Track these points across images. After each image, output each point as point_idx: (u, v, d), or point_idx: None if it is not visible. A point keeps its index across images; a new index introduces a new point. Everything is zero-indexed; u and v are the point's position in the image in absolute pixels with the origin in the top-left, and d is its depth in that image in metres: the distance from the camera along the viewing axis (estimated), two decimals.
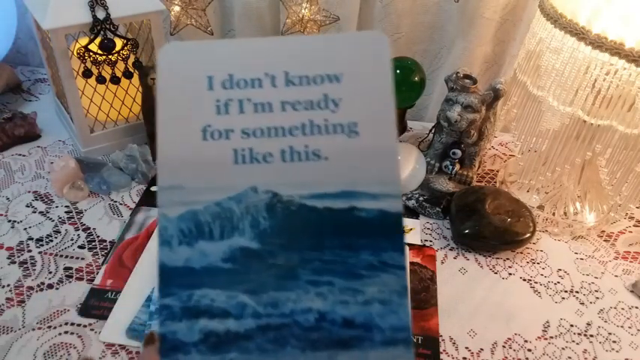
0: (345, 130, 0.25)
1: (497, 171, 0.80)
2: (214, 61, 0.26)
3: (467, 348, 0.55)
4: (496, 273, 0.64)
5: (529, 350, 0.55)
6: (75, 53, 0.67)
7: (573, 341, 0.56)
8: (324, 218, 0.24)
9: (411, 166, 0.71)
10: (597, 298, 0.61)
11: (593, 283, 0.63)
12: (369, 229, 0.24)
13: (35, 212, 0.67)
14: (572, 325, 0.58)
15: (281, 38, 0.26)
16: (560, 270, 0.65)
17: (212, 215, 0.25)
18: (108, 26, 0.66)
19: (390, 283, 0.24)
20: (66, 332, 0.53)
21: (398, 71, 0.73)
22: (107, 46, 0.68)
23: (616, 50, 0.53)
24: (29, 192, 0.70)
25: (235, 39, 0.26)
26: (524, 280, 0.63)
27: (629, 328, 0.58)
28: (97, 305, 0.56)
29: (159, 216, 0.25)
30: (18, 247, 0.62)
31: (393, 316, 0.24)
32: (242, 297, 0.24)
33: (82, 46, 0.66)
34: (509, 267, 0.64)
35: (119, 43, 0.69)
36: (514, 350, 0.55)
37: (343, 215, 0.24)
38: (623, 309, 0.60)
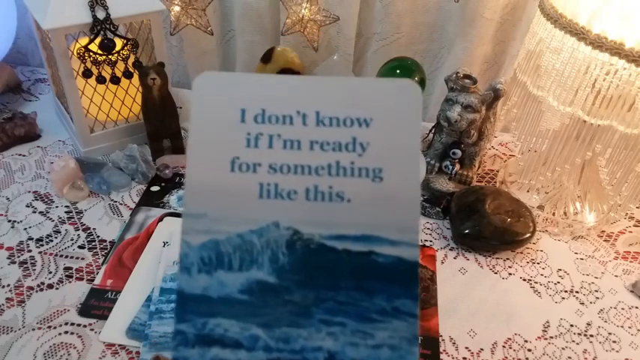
0: (370, 174, 0.25)
1: (497, 171, 0.80)
2: (248, 94, 0.26)
3: (467, 348, 0.55)
4: (496, 273, 0.64)
5: (529, 350, 0.55)
6: (75, 53, 0.67)
7: (573, 341, 0.56)
8: (341, 260, 0.25)
9: None
10: (597, 298, 0.61)
11: (593, 283, 0.63)
12: (384, 274, 0.24)
13: (35, 212, 0.67)
14: (572, 325, 0.58)
15: (316, 78, 0.26)
16: (560, 270, 0.65)
17: (233, 246, 0.25)
18: (108, 26, 0.66)
19: (401, 330, 0.24)
20: (66, 332, 0.53)
21: (398, 71, 0.73)
22: (107, 46, 0.68)
23: (616, 50, 0.53)
24: (29, 192, 0.70)
25: (271, 75, 0.26)
26: (524, 280, 0.63)
27: (629, 328, 0.58)
28: (97, 305, 0.56)
29: (181, 242, 0.25)
30: (18, 247, 0.62)
31: None
32: (255, 329, 0.24)
33: (82, 46, 0.66)
34: (509, 267, 0.64)
35: (119, 43, 0.69)
36: (514, 350, 0.55)
37: (361, 258, 0.25)
38: (623, 309, 0.60)
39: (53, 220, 0.66)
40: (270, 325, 0.24)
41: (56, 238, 0.63)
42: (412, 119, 0.25)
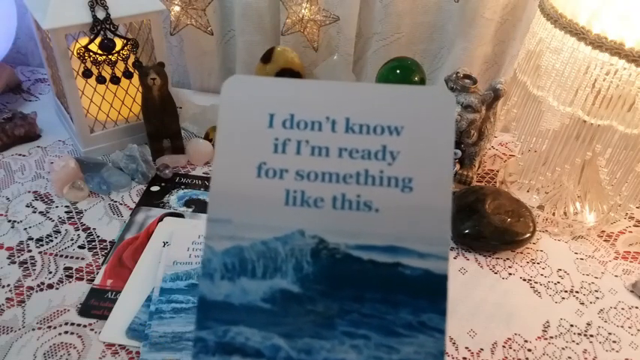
0: (399, 184, 0.24)
1: (497, 171, 0.80)
2: (277, 98, 0.25)
3: (467, 348, 0.55)
4: (496, 273, 0.64)
5: (529, 350, 0.55)
6: (75, 53, 0.67)
7: (573, 341, 0.56)
8: (367, 271, 0.24)
9: None
10: (597, 298, 0.61)
11: (593, 283, 0.63)
12: (411, 287, 0.24)
13: (35, 212, 0.67)
14: (572, 325, 0.58)
15: (345, 83, 0.25)
16: (560, 270, 0.65)
17: (257, 253, 0.24)
18: (108, 26, 0.66)
19: (427, 345, 0.23)
20: (66, 332, 0.53)
21: (398, 71, 0.73)
22: (107, 46, 0.68)
23: (616, 50, 0.53)
24: (29, 192, 0.70)
25: (300, 80, 0.25)
26: (524, 280, 0.63)
27: (629, 328, 0.58)
28: (97, 305, 0.56)
29: (204, 247, 0.24)
30: (18, 247, 0.62)
31: None
32: (277, 339, 0.23)
33: (82, 46, 0.66)
34: (509, 267, 0.64)
35: (119, 43, 0.69)
36: (514, 350, 0.55)
37: (387, 270, 0.24)
38: (623, 309, 0.60)
39: (53, 220, 0.66)
40: (293, 335, 0.23)
41: (56, 238, 0.63)
42: (445, 128, 0.25)
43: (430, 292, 0.23)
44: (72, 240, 0.63)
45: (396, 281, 0.23)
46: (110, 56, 0.69)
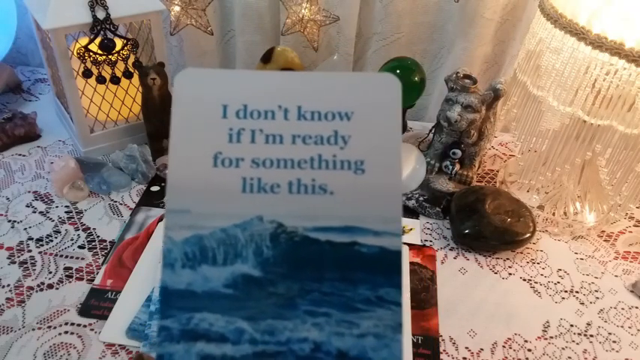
0: (352, 166, 0.25)
1: (497, 171, 0.80)
2: (230, 90, 0.26)
3: (467, 348, 0.55)
4: (496, 273, 0.64)
5: (529, 350, 0.55)
6: (75, 53, 0.67)
7: (573, 341, 0.56)
8: (325, 251, 0.25)
9: (411, 166, 0.71)
10: (597, 298, 0.61)
11: (593, 283, 0.63)
12: (368, 264, 0.24)
13: (35, 212, 0.67)
14: (572, 325, 0.58)
15: (297, 73, 0.27)
16: (560, 270, 0.65)
17: (217, 241, 0.25)
18: (108, 26, 0.66)
19: (386, 318, 0.24)
20: (66, 332, 0.53)
21: (398, 71, 0.73)
22: (107, 46, 0.68)
23: (616, 50, 0.53)
24: (29, 192, 0.70)
25: (252, 71, 0.26)
26: (524, 280, 0.63)
27: (629, 328, 0.58)
28: (97, 305, 0.56)
29: (164, 238, 0.25)
30: (18, 247, 0.62)
31: (386, 350, 0.24)
32: (240, 323, 0.24)
33: (82, 46, 0.66)
34: (509, 267, 0.64)
35: (119, 43, 0.69)
36: (514, 350, 0.55)
37: (344, 249, 0.25)
38: (623, 309, 0.60)
39: (53, 220, 0.66)
40: (256, 318, 0.24)
41: (56, 238, 0.63)
42: (392, 111, 0.25)
43: (386, 268, 0.24)
44: (72, 240, 0.63)
45: (354, 259, 0.24)
46: (110, 56, 0.69)
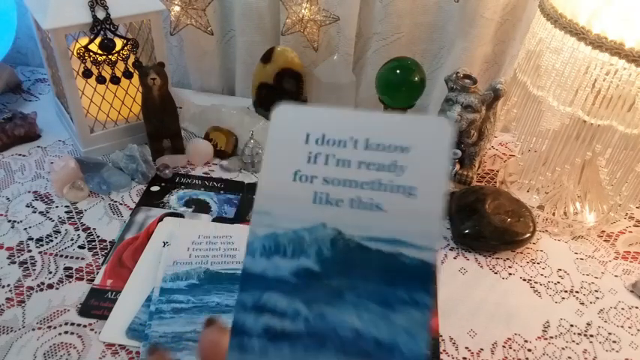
0: (405, 191, 0.31)
1: (497, 171, 0.80)
2: (313, 121, 0.33)
3: (467, 348, 0.55)
4: (496, 273, 0.64)
5: (529, 350, 0.55)
6: (75, 53, 0.67)
7: (573, 341, 0.56)
8: (374, 257, 0.30)
9: None
10: (597, 298, 0.61)
11: (593, 283, 0.63)
12: (408, 272, 0.29)
13: (35, 212, 0.67)
14: (572, 325, 0.58)
15: (368, 112, 0.32)
16: (560, 270, 0.65)
17: (288, 239, 0.31)
18: (108, 26, 0.66)
19: (416, 318, 0.29)
20: (66, 332, 0.53)
21: (398, 71, 0.73)
22: (107, 46, 0.68)
23: (616, 50, 0.53)
24: (29, 192, 0.70)
25: (332, 107, 0.33)
26: (524, 280, 0.63)
27: (629, 328, 0.58)
28: (97, 305, 0.56)
29: (250, 232, 0.31)
30: (18, 247, 0.62)
31: (414, 344, 0.28)
32: (298, 304, 0.30)
33: (82, 46, 0.66)
34: (509, 267, 0.64)
35: (119, 43, 0.69)
36: (514, 350, 0.55)
37: (390, 258, 0.30)
38: (623, 309, 0.60)
39: (53, 220, 0.66)
40: (311, 302, 0.30)
41: (56, 238, 0.63)
42: (443, 148, 0.31)
43: (422, 277, 0.29)
44: (72, 240, 0.63)
45: (397, 267, 0.29)
46: (110, 56, 0.69)
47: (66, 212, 0.67)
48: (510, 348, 0.55)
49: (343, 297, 0.30)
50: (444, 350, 0.54)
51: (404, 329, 0.29)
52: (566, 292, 0.62)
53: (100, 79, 0.70)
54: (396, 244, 0.30)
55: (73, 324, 0.54)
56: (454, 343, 0.55)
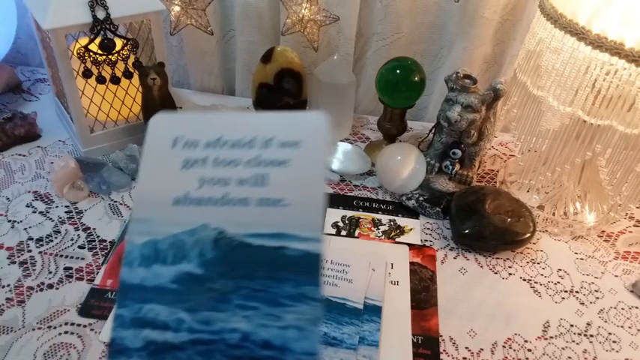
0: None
1: (497, 171, 0.80)
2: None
3: (467, 348, 0.55)
4: (496, 273, 0.64)
5: (529, 350, 0.55)
6: (75, 53, 0.67)
7: (573, 341, 0.56)
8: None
9: (411, 166, 0.71)
10: (597, 298, 0.62)
11: (593, 283, 0.63)
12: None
13: (35, 212, 0.67)
14: (572, 325, 0.58)
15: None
16: (560, 270, 0.65)
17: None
18: (108, 26, 0.66)
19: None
20: (66, 332, 0.53)
21: (398, 71, 0.73)
22: (107, 46, 0.68)
23: (616, 50, 0.53)
24: (29, 192, 0.70)
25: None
26: (524, 280, 0.63)
27: (629, 328, 0.58)
28: (97, 305, 0.56)
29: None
30: (18, 247, 0.62)
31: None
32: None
33: (82, 46, 0.66)
34: (509, 267, 0.64)
35: (119, 43, 0.69)
36: (514, 350, 0.55)
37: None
38: (623, 309, 0.60)
39: (53, 220, 0.66)
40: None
41: (56, 238, 0.63)
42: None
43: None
44: (72, 240, 0.63)
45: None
46: (110, 56, 0.69)
47: (66, 212, 0.67)
48: (510, 348, 0.55)
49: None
50: (444, 350, 0.54)
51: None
52: (566, 292, 0.62)
53: (100, 79, 0.70)
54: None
55: (73, 324, 0.54)
56: (454, 343, 0.55)
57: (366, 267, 0.61)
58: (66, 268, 0.60)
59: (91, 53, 0.67)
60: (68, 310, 0.55)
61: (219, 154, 0.31)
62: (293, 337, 0.27)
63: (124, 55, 0.70)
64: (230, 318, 0.28)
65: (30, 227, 0.64)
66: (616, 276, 0.64)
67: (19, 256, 0.61)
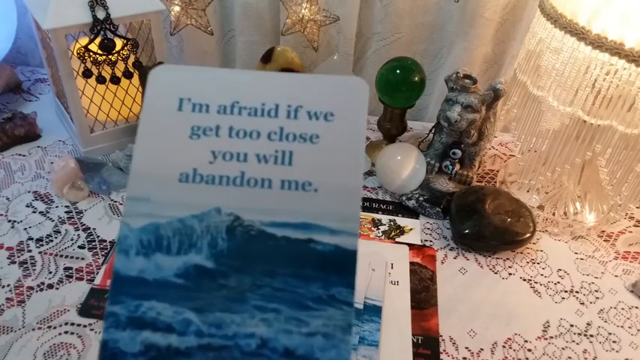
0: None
1: (497, 171, 0.80)
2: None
3: (467, 348, 0.55)
4: (496, 273, 0.64)
5: (529, 350, 0.55)
6: (75, 53, 0.67)
7: (573, 341, 0.56)
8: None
9: (411, 166, 0.71)
10: (597, 298, 0.61)
11: (593, 283, 0.63)
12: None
13: (35, 212, 0.67)
14: (572, 325, 0.58)
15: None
16: (560, 270, 0.65)
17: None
18: (108, 26, 0.66)
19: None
20: (66, 332, 0.53)
21: (398, 71, 0.73)
22: (107, 46, 0.68)
23: (616, 50, 0.53)
24: (29, 192, 0.70)
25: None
26: (524, 280, 0.63)
27: (629, 328, 0.58)
28: (97, 305, 0.56)
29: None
30: (18, 247, 0.62)
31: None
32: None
33: (82, 46, 0.66)
34: (509, 267, 0.64)
35: (119, 43, 0.69)
36: (514, 350, 0.55)
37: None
38: (623, 309, 0.60)
39: (53, 220, 0.66)
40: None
41: (56, 238, 0.63)
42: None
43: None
44: (72, 240, 0.63)
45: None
46: (110, 56, 0.69)
47: (66, 212, 0.67)
48: (510, 348, 0.55)
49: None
50: (444, 350, 0.54)
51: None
52: (566, 292, 0.62)
53: (100, 79, 0.70)
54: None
55: (73, 324, 0.54)
56: (454, 343, 0.55)
57: (366, 267, 0.61)
58: (66, 268, 0.60)
59: (91, 53, 0.67)
60: (68, 310, 0.55)
61: (235, 122, 0.25)
62: (320, 346, 0.23)
63: (124, 55, 0.70)
64: (246, 321, 0.24)
65: (30, 227, 0.64)
66: (616, 276, 0.64)
67: (19, 256, 0.61)
